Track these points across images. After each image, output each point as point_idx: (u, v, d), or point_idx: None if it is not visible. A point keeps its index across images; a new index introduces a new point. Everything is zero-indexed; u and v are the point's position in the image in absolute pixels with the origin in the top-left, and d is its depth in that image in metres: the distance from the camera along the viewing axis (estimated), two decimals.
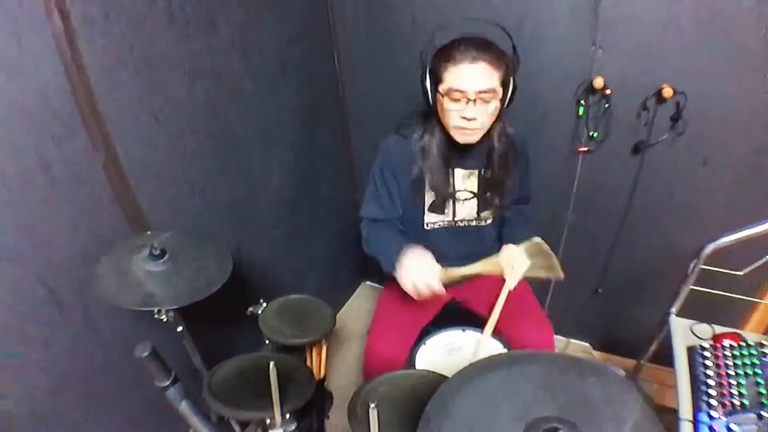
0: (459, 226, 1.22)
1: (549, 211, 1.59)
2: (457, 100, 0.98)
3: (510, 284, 1.10)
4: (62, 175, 0.87)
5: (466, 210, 1.19)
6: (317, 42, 1.56)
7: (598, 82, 1.30)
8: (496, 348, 1.06)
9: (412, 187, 1.15)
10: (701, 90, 1.22)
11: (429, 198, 1.16)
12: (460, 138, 1.05)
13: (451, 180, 1.15)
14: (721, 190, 1.35)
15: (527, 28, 1.33)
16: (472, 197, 1.18)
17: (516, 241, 1.19)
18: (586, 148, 1.43)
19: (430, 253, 1.06)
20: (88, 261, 0.92)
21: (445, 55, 0.98)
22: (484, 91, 0.97)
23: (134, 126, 0.99)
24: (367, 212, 1.22)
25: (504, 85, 1.00)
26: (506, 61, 0.99)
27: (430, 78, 1.01)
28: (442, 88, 0.99)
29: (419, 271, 1.01)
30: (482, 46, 0.96)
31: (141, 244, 0.91)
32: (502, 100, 1.02)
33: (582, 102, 1.36)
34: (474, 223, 1.22)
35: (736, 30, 1.14)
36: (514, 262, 1.12)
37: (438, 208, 1.17)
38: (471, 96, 0.97)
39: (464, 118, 1.00)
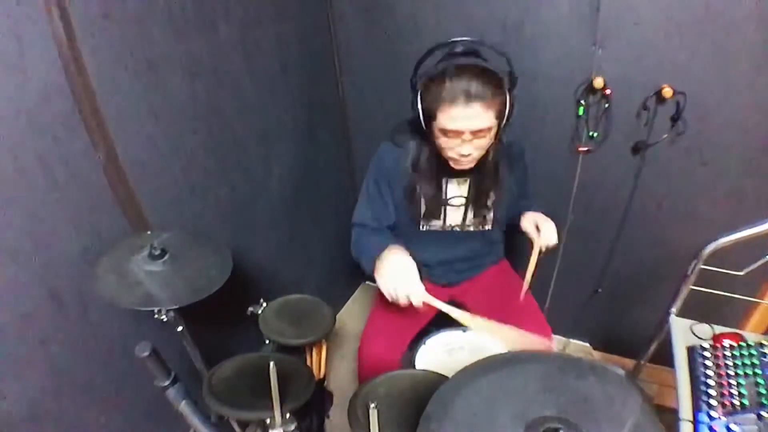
0: (455, 231, 1.22)
1: (549, 211, 1.58)
2: (451, 138, 0.97)
3: (537, 246, 1.11)
4: (62, 175, 0.87)
5: (458, 216, 1.19)
6: (317, 42, 1.56)
7: (598, 82, 1.30)
8: (497, 348, 1.06)
9: (407, 194, 1.14)
10: (701, 90, 1.22)
11: (424, 204, 1.16)
12: (457, 167, 1.04)
13: (443, 188, 1.14)
14: (721, 190, 1.35)
15: (527, 28, 1.33)
16: (465, 203, 1.17)
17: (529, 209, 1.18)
18: (586, 148, 1.43)
19: (410, 258, 0.99)
20: (88, 261, 0.92)
21: (437, 91, 0.92)
22: (479, 130, 0.94)
23: (134, 126, 0.99)
24: (359, 218, 1.20)
25: (499, 116, 0.96)
26: (502, 91, 0.94)
27: (422, 111, 0.98)
28: (435, 126, 0.97)
29: (399, 281, 0.95)
30: (477, 81, 0.90)
31: (141, 244, 0.91)
32: (498, 130, 0.99)
33: (582, 102, 1.35)
34: (471, 228, 1.22)
35: (736, 30, 1.14)
36: (540, 224, 1.12)
37: (432, 214, 1.17)
38: (466, 137, 0.95)
39: (460, 155, 0.99)
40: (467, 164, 1.03)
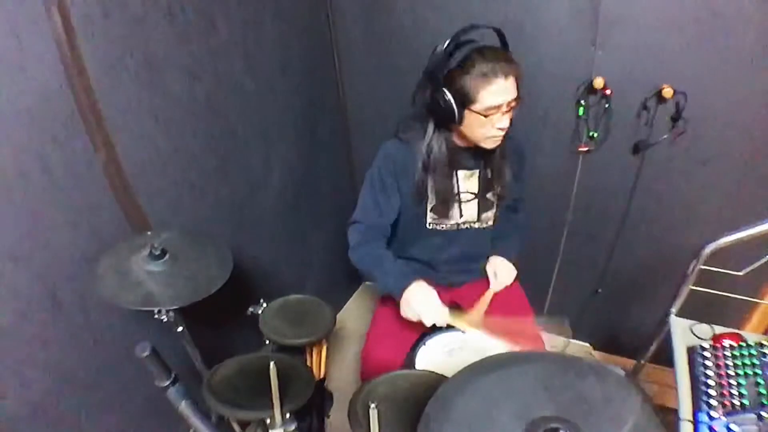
0: (461, 228, 1.22)
1: (549, 212, 1.59)
2: (491, 115, 1.00)
3: (492, 289, 1.24)
4: (62, 175, 0.87)
5: (467, 211, 1.19)
6: (317, 42, 1.56)
7: (598, 82, 1.30)
8: (497, 348, 1.06)
9: (414, 191, 1.14)
10: (701, 90, 1.22)
11: (431, 200, 1.16)
12: (492, 145, 1.06)
13: (455, 182, 1.15)
14: (721, 190, 1.35)
15: (527, 28, 1.33)
16: (474, 198, 1.18)
17: (504, 251, 1.29)
18: (586, 148, 1.43)
19: (435, 292, 1.06)
20: (88, 261, 0.92)
21: (472, 74, 0.96)
22: (514, 100, 1.00)
23: (134, 126, 0.99)
24: (360, 216, 1.19)
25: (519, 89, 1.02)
26: (518, 65, 1.00)
27: (455, 98, 0.99)
28: (476, 107, 0.98)
29: (428, 314, 1.03)
30: (505, 59, 0.97)
31: (141, 244, 0.91)
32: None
33: (582, 102, 1.36)
34: (476, 225, 1.22)
35: (736, 30, 1.14)
36: (498, 271, 1.25)
37: (440, 210, 1.17)
38: (505, 109, 0.99)
39: (500, 128, 1.01)
40: (501, 140, 1.06)
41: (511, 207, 1.31)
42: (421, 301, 1.04)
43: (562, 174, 1.50)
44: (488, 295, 1.22)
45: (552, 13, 1.29)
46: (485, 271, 1.34)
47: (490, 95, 0.97)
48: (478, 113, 0.99)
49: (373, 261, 1.15)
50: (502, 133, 1.03)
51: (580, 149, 1.43)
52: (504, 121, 1.01)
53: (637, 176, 1.42)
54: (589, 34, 1.27)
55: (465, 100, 0.98)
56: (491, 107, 0.98)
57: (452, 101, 0.99)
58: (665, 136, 1.31)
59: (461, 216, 1.19)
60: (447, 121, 1.03)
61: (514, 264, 1.28)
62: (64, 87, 0.84)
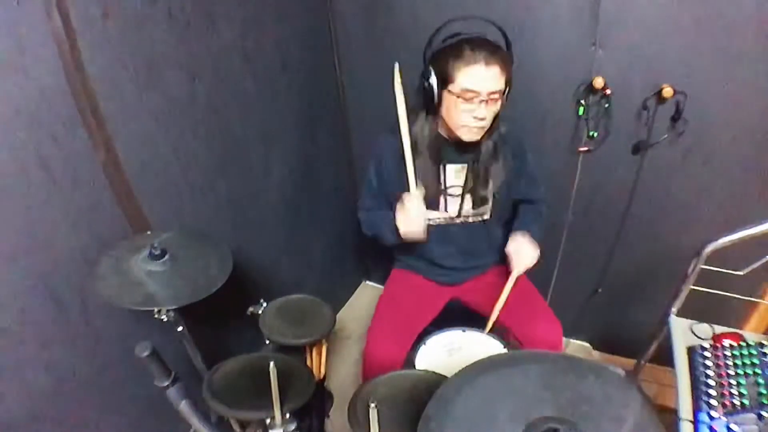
0: (455, 222, 1.22)
1: (549, 211, 1.59)
2: (469, 100, 1.00)
3: (516, 272, 1.16)
4: (62, 175, 0.87)
5: (453, 206, 1.20)
6: (317, 42, 1.56)
7: (598, 82, 1.29)
8: (496, 348, 1.06)
9: (403, 179, 1.15)
10: (701, 90, 1.22)
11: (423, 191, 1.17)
12: (467, 136, 1.06)
13: (442, 176, 1.16)
14: (721, 190, 1.35)
15: (527, 28, 1.33)
16: (462, 192, 1.18)
17: (523, 225, 1.23)
18: (586, 148, 1.43)
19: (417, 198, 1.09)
20: (88, 261, 0.92)
21: (456, 55, 0.98)
22: (495, 92, 0.99)
23: (134, 126, 0.99)
24: (364, 205, 1.27)
25: (507, 84, 1.02)
26: (510, 64, 1.01)
27: (437, 77, 1.02)
28: (453, 88, 1.00)
29: (414, 217, 1.07)
30: (493, 49, 0.98)
31: (141, 244, 0.91)
32: (505, 99, 1.04)
33: (582, 102, 1.35)
34: (470, 219, 1.22)
35: (736, 30, 1.14)
36: (520, 250, 1.17)
37: (431, 204, 1.17)
38: (483, 97, 0.99)
39: (475, 117, 1.02)
40: (478, 132, 1.06)
41: (531, 203, 1.32)
42: (408, 213, 1.07)
43: (562, 174, 1.50)
44: (511, 282, 1.16)
45: (552, 12, 1.29)
46: (486, 267, 1.34)
47: (466, 77, 0.98)
48: (454, 94, 1.00)
49: (379, 221, 1.20)
50: (480, 124, 1.03)
51: (580, 149, 1.43)
52: (480, 111, 1.01)
53: (637, 176, 1.42)
54: (589, 34, 1.27)
55: (444, 80, 1.01)
56: (467, 90, 0.98)
57: (434, 80, 1.02)
58: (665, 136, 1.31)
59: (452, 210, 1.20)
60: (428, 101, 1.05)
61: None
62: (64, 87, 0.84)
